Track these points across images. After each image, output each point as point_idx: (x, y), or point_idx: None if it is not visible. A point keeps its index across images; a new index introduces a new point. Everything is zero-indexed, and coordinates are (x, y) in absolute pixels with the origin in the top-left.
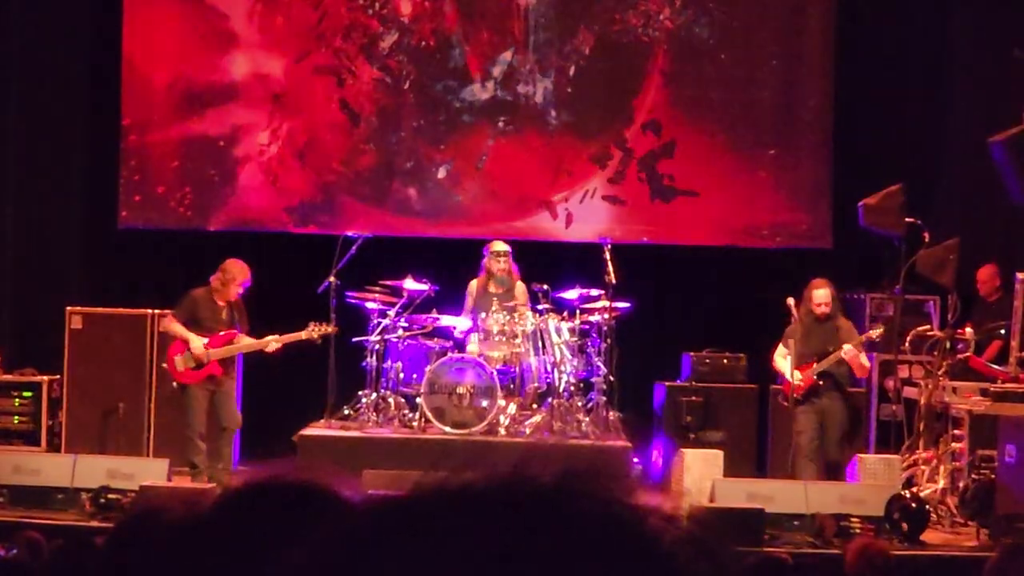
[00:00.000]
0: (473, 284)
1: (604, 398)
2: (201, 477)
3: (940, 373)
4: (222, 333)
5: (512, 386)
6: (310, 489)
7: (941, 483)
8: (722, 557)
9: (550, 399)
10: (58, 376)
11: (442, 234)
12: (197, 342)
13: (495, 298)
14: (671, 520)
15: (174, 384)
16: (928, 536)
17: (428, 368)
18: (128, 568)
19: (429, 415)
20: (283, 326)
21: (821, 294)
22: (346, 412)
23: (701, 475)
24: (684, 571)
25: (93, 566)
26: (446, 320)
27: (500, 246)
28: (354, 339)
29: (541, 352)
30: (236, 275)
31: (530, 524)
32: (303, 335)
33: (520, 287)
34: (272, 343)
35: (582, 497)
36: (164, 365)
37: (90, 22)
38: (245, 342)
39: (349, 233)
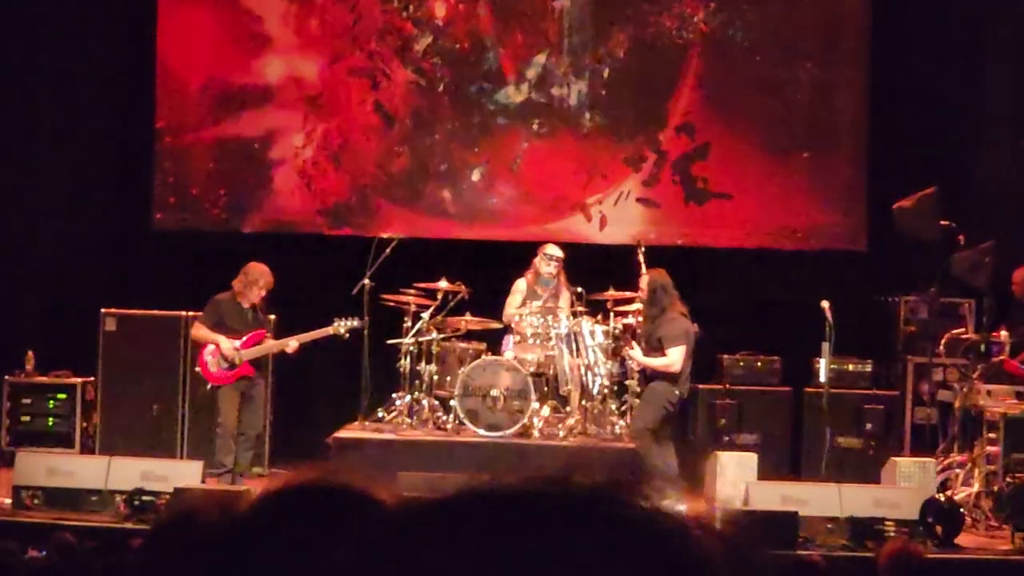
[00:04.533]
0: (522, 282)
1: (638, 401)
2: (229, 477)
3: (975, 376)
4: (250, 334)
5: (546, 389)
6: (348, 492)
7: (976, 486)
8: (760, 565)
9: (584, 402)
10: (92, 378)
11: (476, 236)
12: (226, 343)
13: (541, 301)
14: (710, 527)
15: (208, 387)
16: (963, 539)
17: (462, 370)
18: (165, 570)
19: (463, 417)
20: (316, 328)
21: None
22: (380, 414)
23: (735, 478)
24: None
25: (129, 568)
26: (479, 322)
27: (553, 249)
28: (388, 341)
29: (575, 355)
30: (257, 277)
31: (569, 531)
32: (330, 330)
33: (566, 297)
34: (292, 343)
35: (622, 503)
36: (197, 369)
37: (124, 25)
38: (267, 343)
39: (383, 235)
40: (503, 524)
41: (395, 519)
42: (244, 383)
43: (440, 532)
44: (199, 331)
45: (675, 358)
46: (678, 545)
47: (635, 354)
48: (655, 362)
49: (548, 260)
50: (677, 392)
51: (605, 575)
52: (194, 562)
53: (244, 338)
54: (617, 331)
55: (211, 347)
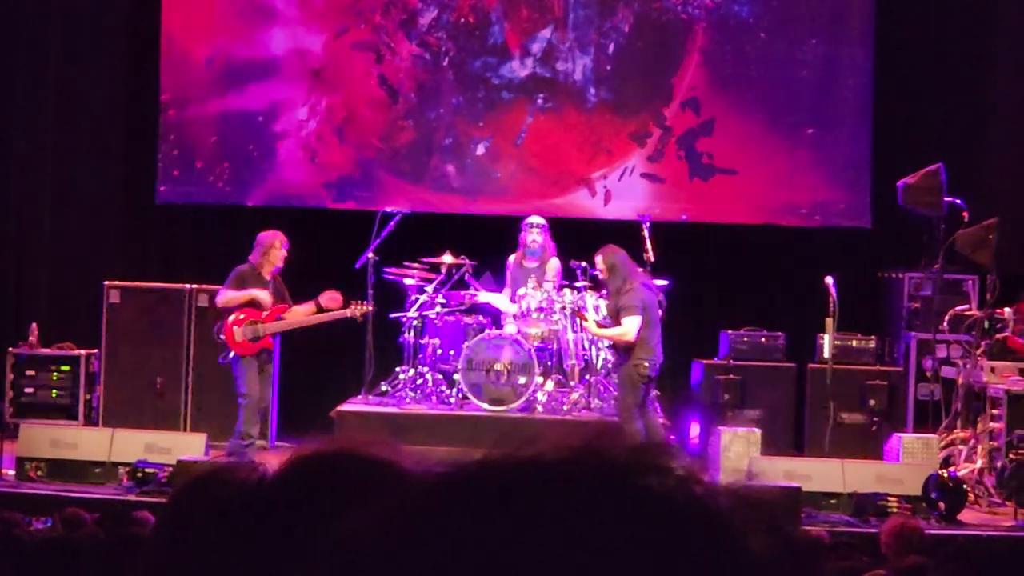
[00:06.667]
0: (511, 259)
1: None
2: (254, 448)
3: (978, 353)
4: (274, 308)
5: (549, 363)
6: (378, 460)
7: (979, 463)
8: (792, 537)
9: (587, 376)
10: (96, 350)
11: (480, 211)
12: (263, 294)
13: (532, 274)
14: (741, 498)
15: (230, 355)
16: (965, 516)
17: (466, 344)
18: (187, 538)
19: (466, 392)
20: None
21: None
22: (383, 388)
23: (738, 453)
24: (754, 548)
25: (137, 540)
26: (484, 296)
27: (533, 218)
28: (392, 315)
29: (579, 329)
30: (272, 240)
31: (602, 499)
32: (347, 313)
33: (553, 263)
34: (356, 309)
35: (653, 472)
36: (221, 336)
37: None
38: (327, 312)
39: (387, 209)
40: (537, 493)
41: (420, 488)
42: (264, 355)
43: (473, 499)
44: (227, 293)
45: (628, 328)
46: (713, 518)
47: (588, 326)
48: (609, 332)
49: (530, 229)
50: (646, 363)
51: (641, 545)
52: (219, 529)
53: (267, 311)
54: (572, 306)
55: (239, 316)
